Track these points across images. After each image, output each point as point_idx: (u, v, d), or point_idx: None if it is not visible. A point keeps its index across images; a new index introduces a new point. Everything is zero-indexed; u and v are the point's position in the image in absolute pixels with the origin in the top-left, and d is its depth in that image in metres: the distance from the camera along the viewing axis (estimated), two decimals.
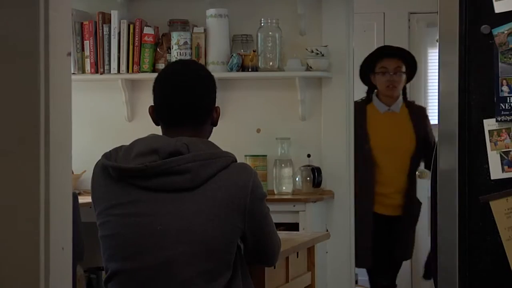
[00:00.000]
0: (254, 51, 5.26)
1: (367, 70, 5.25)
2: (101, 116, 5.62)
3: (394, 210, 5.17)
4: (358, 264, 5.24)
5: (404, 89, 5.23)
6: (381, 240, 5.13)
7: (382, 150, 5.09)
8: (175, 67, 2.84)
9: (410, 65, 5.20)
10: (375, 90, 5.26)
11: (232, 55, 5.27)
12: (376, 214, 5.15)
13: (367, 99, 5.26)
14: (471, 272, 2.58)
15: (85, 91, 5.54)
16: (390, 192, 5.15)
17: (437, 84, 2.65)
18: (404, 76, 5.16)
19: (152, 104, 2.75)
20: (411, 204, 5.25)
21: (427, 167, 5.14)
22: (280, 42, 5.29)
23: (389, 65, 5.12)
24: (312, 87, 5.37)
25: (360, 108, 5.21)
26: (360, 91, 6.19)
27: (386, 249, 5.14)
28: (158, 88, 2.73)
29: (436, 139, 6.92)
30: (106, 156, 2.64)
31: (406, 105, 5.19)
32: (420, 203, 5.36)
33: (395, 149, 5.10)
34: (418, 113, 5.23)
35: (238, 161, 2.67)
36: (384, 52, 5.26)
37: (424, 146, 5.13)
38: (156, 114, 2.73)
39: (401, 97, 5.20)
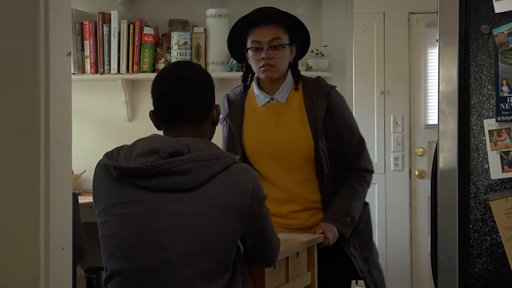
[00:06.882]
0: None
1: (240, 43, 3.55)
2: (101, 116, 5.62)
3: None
4: None
5: (294, 66, 3.55)
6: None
7: (263, 160, 3.52)
8: (171, 68, 2.85)
9: (297, 33, 3.56)
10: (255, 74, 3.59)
11: None
12: None
13: (245, 88, 3.60)
14: (471, 272, 2.58)
15: (85, 91, 5.54)
16: (289, 212, 3.56)
17: (437, 84, 2.65)
18: (288, 50, 3.50)
19: (152, 108, 2.75)
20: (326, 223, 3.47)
21: (345, 168, 3.53)
22: None
23: (263, 37, 3.46)
24: None
25: (236, 104, 3.59)
26: (360, 91, 6.18)
27: None
28: (157, 90, 2.73)
29: (431, 139, 6.71)
30: (108, 155, 2.64)
31: (303, 89, 3.52)
32: (353, 218, 3.54)
33: (281, 155, 3.50)
34: (318, 100, 3.49)
35: (238, 162, 2.68)
36: (256, 19, 3.53)
37: (333, 145, 3.49)
38: (156, 116, 2.73)
39: (289, 81, 3.52)
